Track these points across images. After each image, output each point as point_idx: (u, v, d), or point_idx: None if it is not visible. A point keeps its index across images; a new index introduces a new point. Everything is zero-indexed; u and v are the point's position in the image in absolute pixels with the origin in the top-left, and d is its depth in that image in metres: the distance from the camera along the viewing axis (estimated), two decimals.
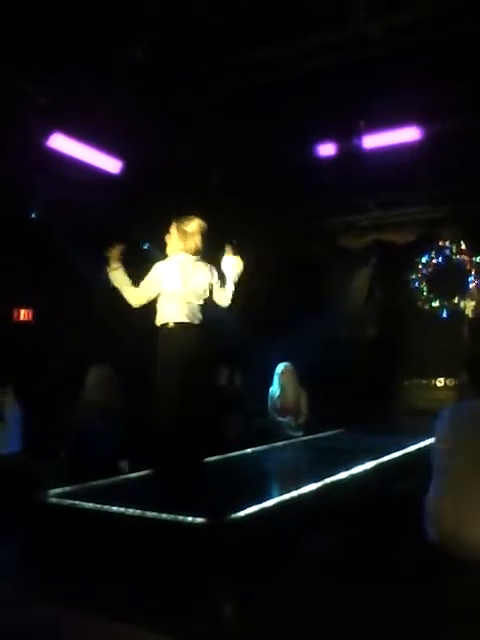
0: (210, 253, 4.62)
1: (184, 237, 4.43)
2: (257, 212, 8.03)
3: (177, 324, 4.33)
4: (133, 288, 4.48)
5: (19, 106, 5.66)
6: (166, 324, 4.35)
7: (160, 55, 5.48)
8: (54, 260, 6.65)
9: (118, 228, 6.75)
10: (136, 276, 4.54)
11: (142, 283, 4.48)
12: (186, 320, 4.34)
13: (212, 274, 4.50)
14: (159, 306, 4.42)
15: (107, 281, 4.50)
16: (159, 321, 4.39)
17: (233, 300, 4.57)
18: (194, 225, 4.45)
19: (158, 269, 4.47)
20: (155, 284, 4.44)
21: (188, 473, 4.23)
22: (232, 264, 4.58)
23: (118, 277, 4.47)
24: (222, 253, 4.70)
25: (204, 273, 4.46)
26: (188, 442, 4.28)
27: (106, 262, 4.49)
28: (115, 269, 4.46)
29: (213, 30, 5.32)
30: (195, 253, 4.46)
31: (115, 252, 4.47)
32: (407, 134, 6.62)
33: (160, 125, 6.37)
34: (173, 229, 4.48)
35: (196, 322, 4.37)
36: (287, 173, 7.41)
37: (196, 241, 4.44)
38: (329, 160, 7.10)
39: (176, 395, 4.23)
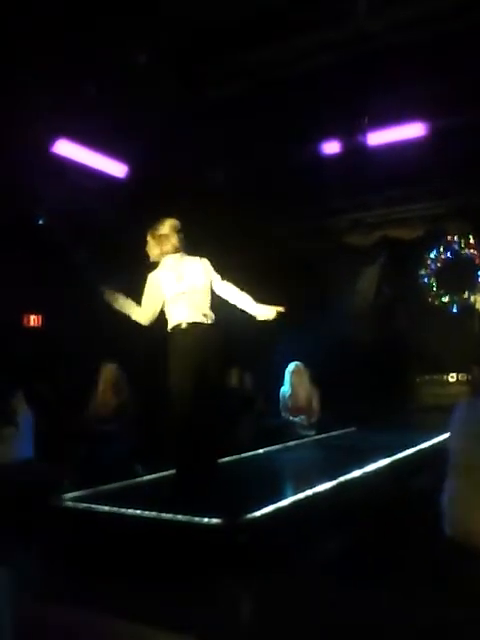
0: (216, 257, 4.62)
1: (160, 241, 4.40)
2: (263, 212, 8.02)
3: (190, 324, 4.27)
4: (138, 308, 4.44)
5: (23, 112, 5.68)
6: (178, 325, 4.28)
7: (163, 58, 5.48)
8: (62, 265, 6.66)
9: (125, 231, 6.77)
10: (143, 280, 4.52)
11: (143, 299, 4.42)
12: (197, 320, 4.28)
13: (205, 267, 4.42)
14: (167, 312, 4.37)
15: (112, 308, 4.52)
16: (171, 324, 4.33)
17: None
18: (166, 226, 4.40)
19: (153, 278, 4.40)
20: (156, 294, 4.38)
21: (203, 473, 4.23)
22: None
23: (120, 303, 4.46)
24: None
25: (197, 268, 4.39)
26: (203, 443, 4.26)
27: (105, 297, 4.48)
28: (114, 299, 4.46)
29: (214, 31, 5.32)
30: (175, 252, 4.40)
31: (108, 292, 4.48)
32: (412, 130, 6.60)
33: (164, 128, 6.37)
34: (149, 238, 4.45)
35: (208, 322, 4.32)
36: (292, 172, 7.40)
37: (173, 241, 4.38)
38: (334, 158, 7.09)
39: (191, 396, 4.19)
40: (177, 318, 4.30)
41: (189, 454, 4.25)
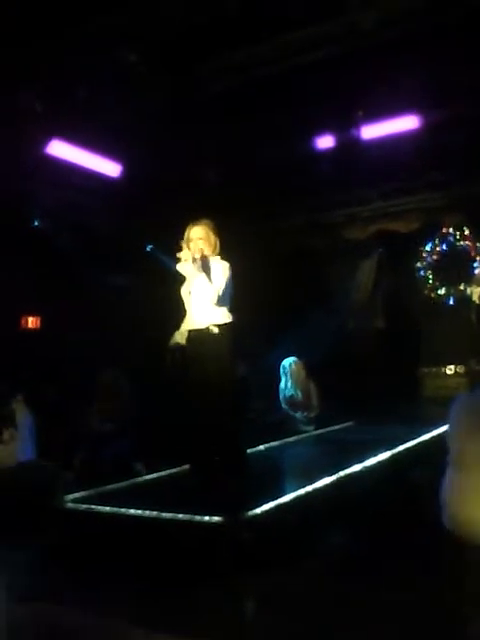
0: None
1: (188, 244, 4.56)
2: (260, 207, 8.02)
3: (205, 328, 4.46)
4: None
5: (15, 114, 5.67)
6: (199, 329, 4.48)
7: (153, 57, 5.47)
8: (59, 267, 6.67)
9: (121, 232, 6.78)
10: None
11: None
12: (206, 325, 4.45)
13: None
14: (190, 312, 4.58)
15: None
16: (191, 326, 4.53)
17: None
18: (194, 231, 4.55)
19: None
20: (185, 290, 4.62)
21: (229, 469, 4.38)
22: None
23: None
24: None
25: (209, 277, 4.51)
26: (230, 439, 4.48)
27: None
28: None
29: (205, 29, 5.30)
30: (200, 257, 4.53)
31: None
32: (405, 123, 6.60)
33: (157, 127, 6.36)
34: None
35: (220, 324, 4.47)
36: (287, 167, 7.40)
37: (198, 246, 4.52)
38: (328, 152, 7.08)
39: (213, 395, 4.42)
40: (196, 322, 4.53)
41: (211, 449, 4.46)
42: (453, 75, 5.91)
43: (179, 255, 4.52)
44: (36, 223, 6.55)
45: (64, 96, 5.76)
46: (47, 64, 5.32)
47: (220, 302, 4.45)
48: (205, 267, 4.44)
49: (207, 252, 4.51)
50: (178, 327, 4.64)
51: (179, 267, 4.57)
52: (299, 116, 6.60)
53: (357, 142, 6.79)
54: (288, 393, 7.59)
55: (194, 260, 4.45)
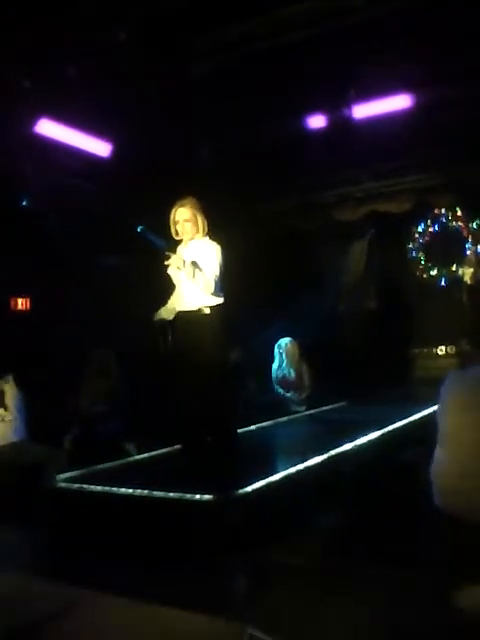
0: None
1: (174, 226, 4.51)
2: (251, 188, 7.98)
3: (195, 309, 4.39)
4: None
5: (4, 93, 5.59)
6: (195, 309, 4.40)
7: (143, 35, 5.40)
8: (48, 247, 6.62)
9: (111, 212, 6.73)
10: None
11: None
12: (197, 306, 4.39)
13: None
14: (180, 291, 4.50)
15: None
16: (181, 305, 4.46)
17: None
18: (180, 212, 4.48)
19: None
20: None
21: (223, 446, 4.36)
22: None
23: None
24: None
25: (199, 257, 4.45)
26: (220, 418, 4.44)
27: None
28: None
29: (196, 6, 5.23)
30: (189, 239, 4.48)
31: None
32: (398, 102, 6.55)
33: (147, 106, 6.30)
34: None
35: (211, 305, 4.40)
36: (278, 147, 7.35)
37: (184, 228, 4.47)
38: (320, 132, 7.03)
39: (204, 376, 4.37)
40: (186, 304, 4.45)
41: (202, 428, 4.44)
42: (446, 54, 5.86)
43: (167, 262, 4.42)
44: (24, 203, 6.47)
45: (53, 74, 5.68)
46: (35, 42, 5.24)
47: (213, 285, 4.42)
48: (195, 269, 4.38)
49: (195, 233, 4.47)
50: (165, 303, 4.58)
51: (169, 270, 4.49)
52: (290, 95, 6.54)
53: (349, 121, 6.74)
54: (282, 373, 7.61)
55: (183, 264, 4.35)
